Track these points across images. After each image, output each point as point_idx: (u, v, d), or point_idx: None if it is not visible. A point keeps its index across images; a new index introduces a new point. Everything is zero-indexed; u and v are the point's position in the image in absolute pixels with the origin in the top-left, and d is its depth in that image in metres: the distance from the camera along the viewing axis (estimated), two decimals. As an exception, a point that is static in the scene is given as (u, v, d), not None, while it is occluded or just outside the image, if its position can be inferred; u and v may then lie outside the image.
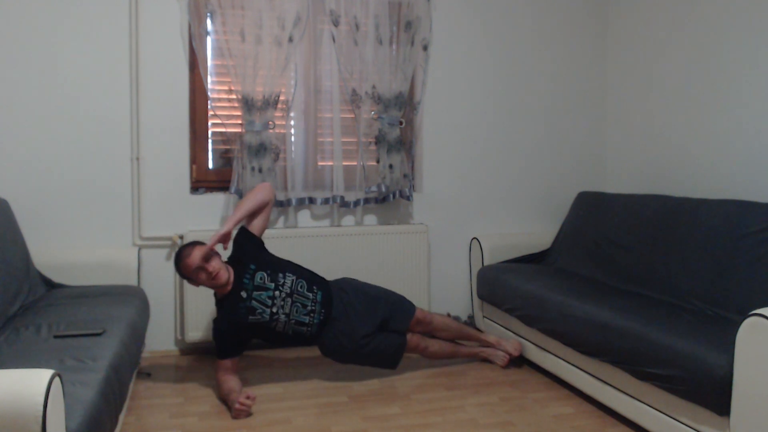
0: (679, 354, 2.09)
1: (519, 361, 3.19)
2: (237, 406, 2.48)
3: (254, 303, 2.72)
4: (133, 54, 3.19)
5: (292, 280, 2.79)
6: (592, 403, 2.69)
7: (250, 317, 2.71)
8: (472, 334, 3.17)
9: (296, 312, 2.75)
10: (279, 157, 3.35)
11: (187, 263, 2.68)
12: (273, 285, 2.75)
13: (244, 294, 2.72)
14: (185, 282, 3.17)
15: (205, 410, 2.59)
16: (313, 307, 2.78)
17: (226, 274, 2.70)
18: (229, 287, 2.74)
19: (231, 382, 2.65)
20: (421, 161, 3.67)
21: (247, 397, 2.49)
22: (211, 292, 3.18)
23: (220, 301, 2.78)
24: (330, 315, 2.82)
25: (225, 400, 2.63)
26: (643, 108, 3.61)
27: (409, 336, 2.95)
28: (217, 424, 2.46)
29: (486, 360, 3.16)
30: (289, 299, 2.74)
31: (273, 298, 2.73)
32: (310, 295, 2.79)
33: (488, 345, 3.17)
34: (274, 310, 2.73)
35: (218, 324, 2.73)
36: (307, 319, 2.77)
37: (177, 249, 2.82)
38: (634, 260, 2.99)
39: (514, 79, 3.80)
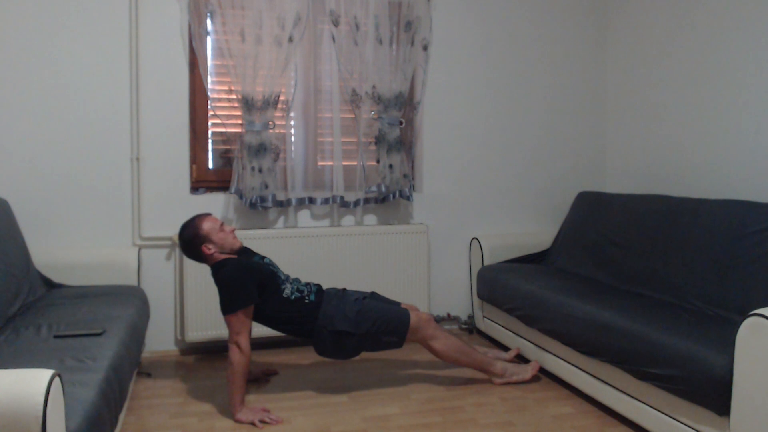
0: (679, 354, 2.09)
1: (518, 360, 3.19)
2: (264, 421, 2.46)
3: (267, 260, 2.82)
4: (133, 54, 3.19)
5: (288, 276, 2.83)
6: (592, 403, 2.69)
7: (266, 259, 2.79)
8: (478, 362, 2.85)
9: (296, 282, 2.77)
10: (279, 157, 3.35)
11: (210, 217, 2.68)
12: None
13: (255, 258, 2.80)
14: (184, 281, 3.17)
15: (205, 410, 2.59)
16: (308, 289, 2.77)
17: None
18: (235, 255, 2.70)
19: (245, 372, 2.53)
20: (421, 161, 3.67)
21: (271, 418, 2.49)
22: (212, 291, 3.20)
23: (226, 260, 2.65)
24: (321, 302, 2.73)
25: (235, 390, 2.49)
26: (643, 108, 3.61)
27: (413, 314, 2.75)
28: (217, 424, 2.46)
29: (494, 375, 2.89)
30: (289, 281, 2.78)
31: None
32: (305, 288, 2.77)
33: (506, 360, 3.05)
34: (283, 275, 2.77)
35: (231, 270, 2.56)
36: (305, 289, 2.74)
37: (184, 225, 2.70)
38: (634, 260, 2.99)
39: (514, 79, 3.80)
